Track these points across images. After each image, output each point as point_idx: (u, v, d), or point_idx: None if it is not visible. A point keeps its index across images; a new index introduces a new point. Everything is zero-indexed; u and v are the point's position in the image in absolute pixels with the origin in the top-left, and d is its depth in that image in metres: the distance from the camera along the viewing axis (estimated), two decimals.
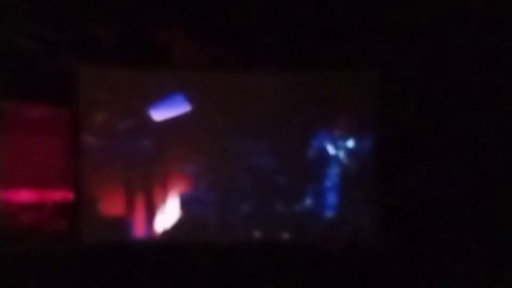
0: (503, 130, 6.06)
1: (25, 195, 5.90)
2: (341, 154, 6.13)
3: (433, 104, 6.18)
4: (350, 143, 6.15)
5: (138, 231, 5.93)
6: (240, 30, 6.02)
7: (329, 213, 6.09)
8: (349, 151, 6.15)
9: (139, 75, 6.03)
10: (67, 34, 5.84)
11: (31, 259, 5.62)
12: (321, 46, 6.12)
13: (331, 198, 6.10)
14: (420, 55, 6.12)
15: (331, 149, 6.12)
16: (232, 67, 6.12)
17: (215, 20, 6.03)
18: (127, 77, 6.03)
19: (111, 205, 5.93)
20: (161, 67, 6.06)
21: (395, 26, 6.06)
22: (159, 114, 5.98)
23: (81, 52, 5.86)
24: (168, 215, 5.94)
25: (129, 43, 5.96)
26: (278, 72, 6.09)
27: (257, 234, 5.96)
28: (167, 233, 5.94)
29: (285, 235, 5.99)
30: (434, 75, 6.16)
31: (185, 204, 5.94)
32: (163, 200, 5.94)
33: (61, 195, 5.97)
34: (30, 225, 5.87)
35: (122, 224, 5.91)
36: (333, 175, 6.11)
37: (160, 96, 6.00)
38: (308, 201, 6.07)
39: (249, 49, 6.04)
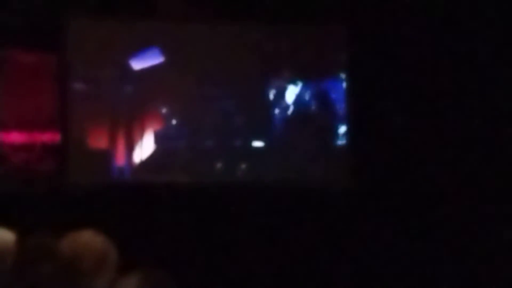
0: (473, 79, 6.24)
1: (15, 137, 6.12)
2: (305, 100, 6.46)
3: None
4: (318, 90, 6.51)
5: (119, 162, 6.26)
6: None
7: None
8: (315, 97, 6.49)
9: (123, 27, 6.32)
10: None
11: (20, 197, 5.84)
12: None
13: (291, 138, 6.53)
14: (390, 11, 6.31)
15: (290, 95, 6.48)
16: (203, 19, 6.40)
17: None
18: (113, 28, 6.30)
19: (96, 144, 6.22)
20: (144, 19, 6.32)
21: None
22: (138, 64, 6.22)
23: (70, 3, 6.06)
24: (145, 148, 6.29)
25: None
26: (248, 24, 6.47)
27: (218, 166, 6.37)
28: (144, 165, 6.24)
29: (243, 168, 6.41)
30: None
31: (159, 139, 6.35)
32: (141, 136, 6.29)
33: (49, 137, 6.21)
34: (20, 165, 6.11)
35: (105, 161, 6.21)
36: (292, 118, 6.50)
37: (141, 47, 6.28)
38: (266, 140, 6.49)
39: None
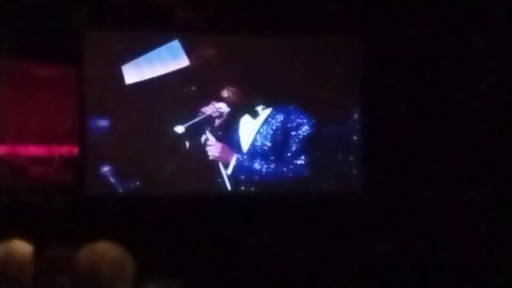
0: (482, 92, 6.22)
1: (34, 150, 6.18)
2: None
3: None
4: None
5: (136, 174, 6.32)
6: None
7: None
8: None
9: (140, 38, 6.34)
10: None
11: (38, 209, 5.89)
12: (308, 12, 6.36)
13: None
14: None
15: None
16: (219, 31, 6.44)
17: None
18: (130, 39, 6.32)
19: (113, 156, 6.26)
20: (162, 29, 6.35)
21: None
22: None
23: (88, 14, 6.08)
24: (162, 161, 6.37)
25: (133, 6, 6.16)
26: (263, 36, 6.49)
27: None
28: (159, 177, 6.30)
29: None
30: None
31: (173, 151, 6.38)
32: (157, 148, 6.35)
33: (67, 149, 6.26)
34: (38, 177, 6.17)
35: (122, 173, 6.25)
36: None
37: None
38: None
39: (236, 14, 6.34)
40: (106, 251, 2.42)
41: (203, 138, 6.35)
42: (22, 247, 2.94)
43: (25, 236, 3.01)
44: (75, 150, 6.23)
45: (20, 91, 6.13)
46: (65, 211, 5.96)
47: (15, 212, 5.70)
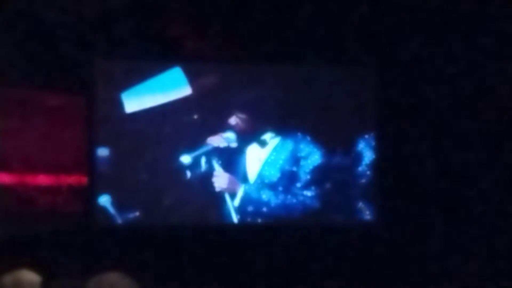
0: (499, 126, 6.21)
1: (42, 179, 6.16)
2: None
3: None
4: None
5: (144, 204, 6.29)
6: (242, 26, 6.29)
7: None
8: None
9: (150, 67, 6.33)
10: (83, 26, 6.05)
11: (47, 239, 5.83)
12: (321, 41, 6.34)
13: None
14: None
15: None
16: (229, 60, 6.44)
17: (220, 15, 6.27)
18: (139, 69, 6.32)
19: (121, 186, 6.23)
20: (171, 59, 6.34)
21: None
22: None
23: (96, 44, 6.08)
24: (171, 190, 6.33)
25: (141, 36, 6.14)
26: (276, 66, 6.46)
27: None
28: (169, 207, 6.26)
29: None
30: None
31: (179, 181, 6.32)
32: (165, 178, 6.31)
33: (76, 179, 6.24)
34: (47, 207, 6.15)
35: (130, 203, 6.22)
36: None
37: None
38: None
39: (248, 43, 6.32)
40: (115, 281, 2.40)
41: (209, 168, 6.28)
42: (30, 277, 2.92)
43: (33, 266, 2.98)
44: (84, 179, 6.21)
45: (28, 120, 6.12)
46: (73, 242, 5.91)
47: (23, 242, 5.66)
